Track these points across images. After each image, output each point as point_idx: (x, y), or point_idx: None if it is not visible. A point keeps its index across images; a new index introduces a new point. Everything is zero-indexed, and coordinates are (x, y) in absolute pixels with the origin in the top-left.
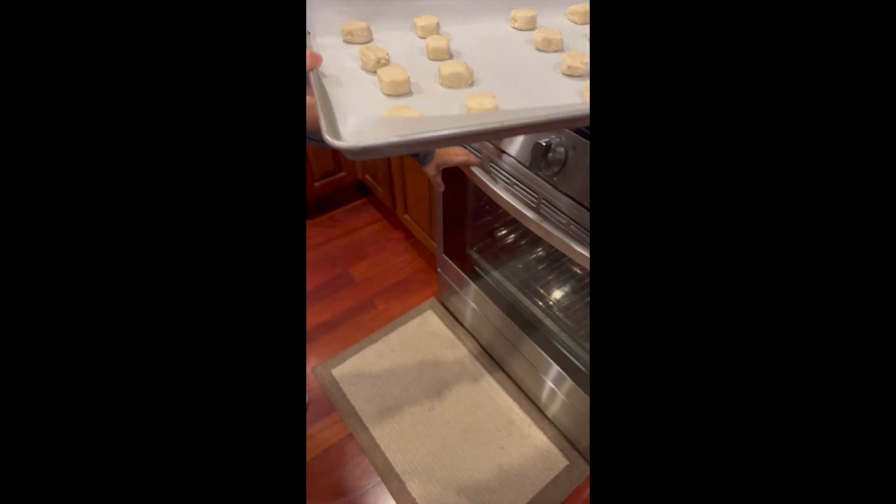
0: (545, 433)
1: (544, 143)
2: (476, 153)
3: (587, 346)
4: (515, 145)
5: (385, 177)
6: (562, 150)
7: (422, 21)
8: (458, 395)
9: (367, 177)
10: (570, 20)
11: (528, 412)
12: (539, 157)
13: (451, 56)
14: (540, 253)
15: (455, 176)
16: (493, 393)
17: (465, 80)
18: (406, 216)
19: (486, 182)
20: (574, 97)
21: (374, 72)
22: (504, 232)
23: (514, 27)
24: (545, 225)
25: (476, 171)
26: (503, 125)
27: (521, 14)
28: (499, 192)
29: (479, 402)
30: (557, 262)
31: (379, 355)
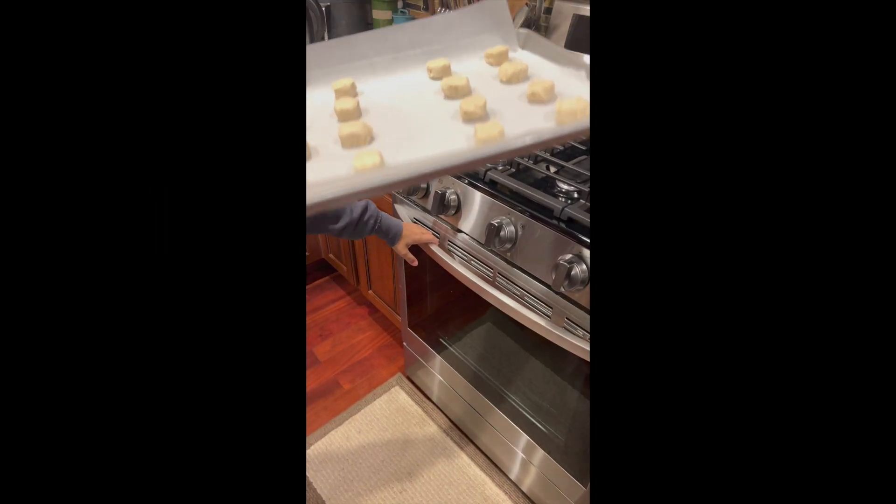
0: None
1: (496, 223)
2: (434, 232)
3: (554, 411)
4: (470, 224)
5: (348, 254)
6: (512, 228)
7: (337, 84)
8: (430, 474)
9: (331, 255)
10: (487, 62)
11: (500, 486)
12: (492, 235)
13: (360, 115)
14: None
15: (415, 250)
16: (465, 468)
17: (363, 140)
18: (370, 291)
19: (445, 259)
20: (461, 143)
21: None
22: (466, 304)
23: (431, 77)
24: (502, 297)
25: (435, 248)
26: (355, 189)
27: (436, 65)
28: (456, 267)
29: (451, 479)
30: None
31: (346, 437)
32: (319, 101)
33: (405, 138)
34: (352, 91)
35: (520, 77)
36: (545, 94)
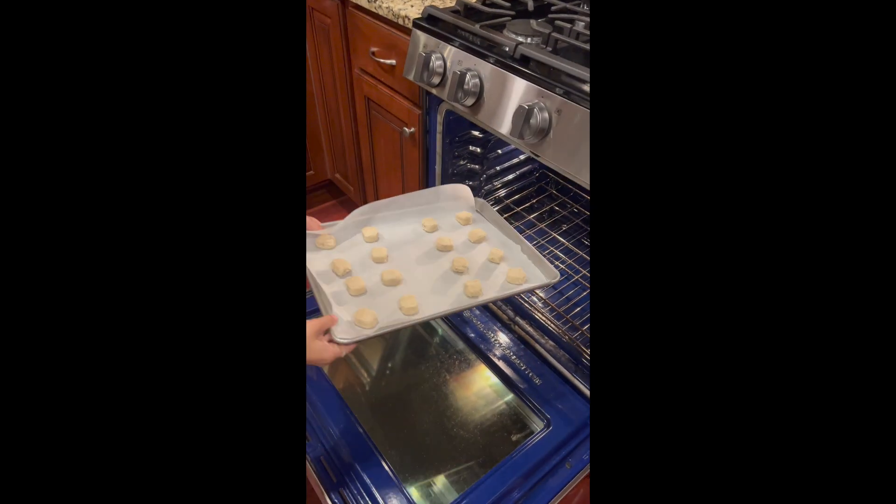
0: None
1: (527, 107)
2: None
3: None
4: (492, 114)
5: (356, 174)
6: (545, 115)
7: (368, 232)
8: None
9: (338, 175)
10: (457, 221)
11: None
12: (521, 122)
13: (387, 257)
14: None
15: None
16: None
17: (397, 282)
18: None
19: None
20: (458, 291)
21: (342, 277)
22: None
23: (425, 230)
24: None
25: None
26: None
27: (428, 223)
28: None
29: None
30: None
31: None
32: (356, 244)
33: (422, 291)
34: (377, 236)
35: (480, 240)
36: (497, 260)
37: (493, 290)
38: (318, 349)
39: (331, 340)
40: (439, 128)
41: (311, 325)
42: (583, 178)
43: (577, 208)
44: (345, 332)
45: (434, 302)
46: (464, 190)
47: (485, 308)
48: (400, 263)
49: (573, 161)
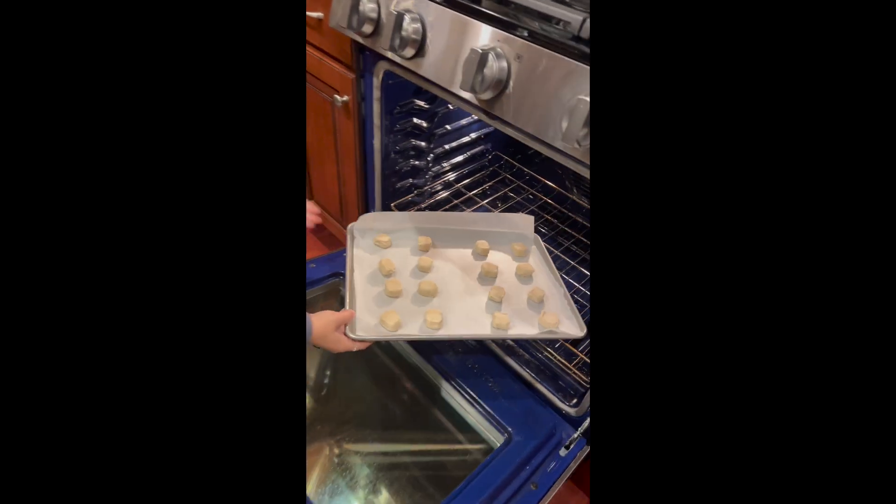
0: None
1: (480, 51)
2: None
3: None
4: (437, 66)
5: None
6: (503, 63)
7: (422, 240)
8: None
9: None
10: (513, 250)
11: None
12: (473, 71)
13: (432, 267)
14: None
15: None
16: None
17: (432, 294)
18: (311, 201)
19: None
20: (485, 321)
21: (386, 277)
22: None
23: (477, 251)
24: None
25: None
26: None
27: (480, 246)
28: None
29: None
30: None
31: None
32: (408, 250)
33: (451, 309)
34: (430, 245)
35: (528, 275)
36: (537, 300)
37: (520, 328)
38: (333, 340)
39: (345, 334)
40: (377, 93)
41: (333, 317)
42: (544, 136)
43: (532, 194)
44: (363, 330)
45: (458, 323)
46: (527, 220)
47: None
48: (442, 277)
49: (534, 118)
